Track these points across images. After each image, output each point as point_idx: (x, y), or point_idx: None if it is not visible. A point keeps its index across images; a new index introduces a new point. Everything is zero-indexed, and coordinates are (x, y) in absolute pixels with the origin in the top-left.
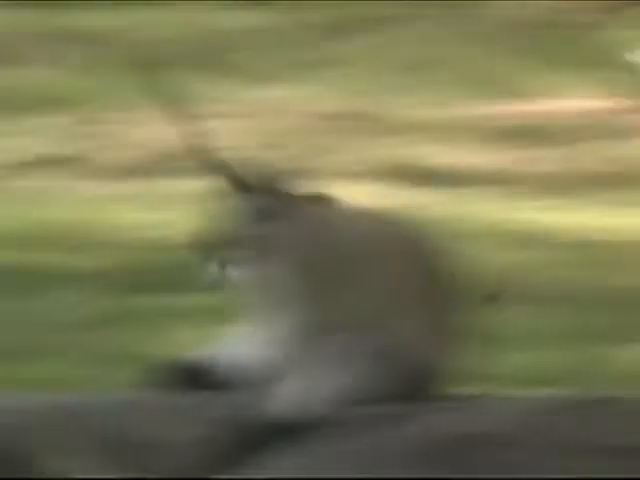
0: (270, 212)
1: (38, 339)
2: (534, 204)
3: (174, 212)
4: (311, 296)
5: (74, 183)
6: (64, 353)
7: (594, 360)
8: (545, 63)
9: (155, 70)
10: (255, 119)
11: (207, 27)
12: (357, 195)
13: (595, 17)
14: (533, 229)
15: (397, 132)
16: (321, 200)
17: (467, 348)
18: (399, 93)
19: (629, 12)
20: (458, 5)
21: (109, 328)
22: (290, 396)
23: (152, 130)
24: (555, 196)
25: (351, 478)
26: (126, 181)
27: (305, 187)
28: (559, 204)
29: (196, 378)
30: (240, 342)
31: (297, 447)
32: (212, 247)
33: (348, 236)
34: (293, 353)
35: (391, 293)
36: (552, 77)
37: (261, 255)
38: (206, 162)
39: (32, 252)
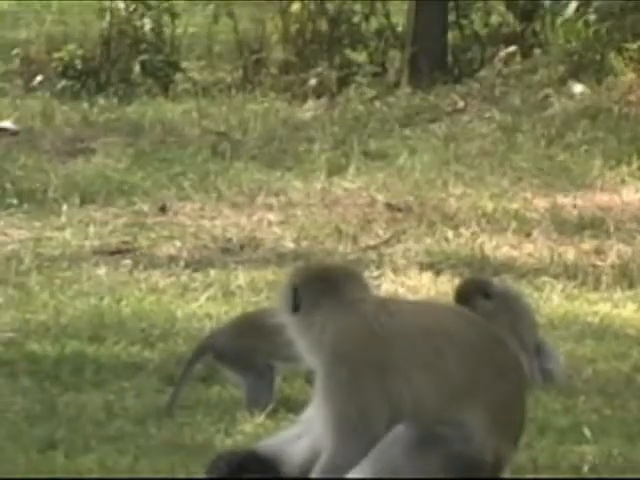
0: (318, 302)
1: (97, 430)
2: (603, 296)
3: (234, 304)
4: (357, 387)
5: (137, 274)
6: (124, 443)
7: None
8: (612, 154)
9: (220, 160)
10: (323, 209)
11: (276, 117)
12: (422, 286)
13: None
14: (604, 321)
15: (462, 223)
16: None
17: (531, 439)
18: (465, 183)
19: None
20: (526, 98)
21: (168, 419)
22: None
23: (217, 220)
24: (626, 288)
25: None
26: (187, 272)
27: (366, 277)
28: (629, 296)
29: (255, 469)
30: (298, 433)
31: None
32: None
33: (403, 328)
34: (336, 444)
35: (452, 384)
36: (621, 169)
37: (306, 345)
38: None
39: (96, 342)
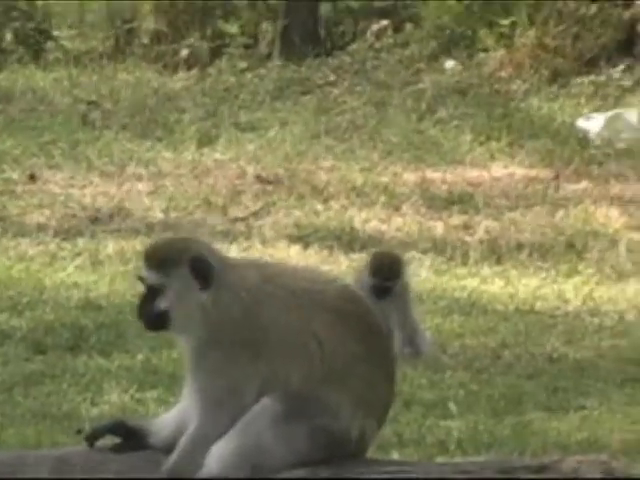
0: (222, 277)
1: None
2: (471, 271)
3: (102, 273)
4: (230, 366)
5: (6, 242)
6: None
7: (528, 428)
8: (482, 130)
9: (90, 129)
10: (193, 180)
11: (147, 87)
12: (290, 258)
13: (537, 85)
14: (472, 297)
15: (331, 196)
16: (249, 264)
17: (397, 413)
18: (335, 156)
19: (574, 81)
20: (397, 73)
21: (35, 388)
22: (216, 457)
23: (86, 189)
24: (493, 264)
25: None
26: (56, 241)
27: (232, 250)
28: (498, 272)
29: (129, 439)
30: (176, 405)
31: None
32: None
33: (281, 308)
34: (204, 416)
35: (322, 362)
36: (490, 145)
37: (200, 321)
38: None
39: None
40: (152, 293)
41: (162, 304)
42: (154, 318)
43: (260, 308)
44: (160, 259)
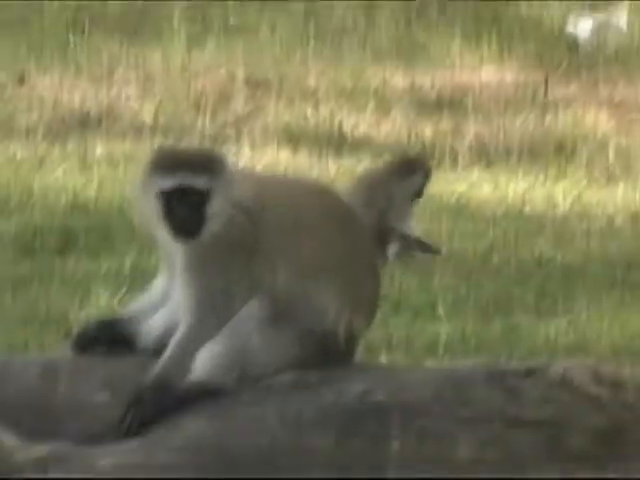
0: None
1: None
2: (460, 176)
3: (91, 176)
4: (226, 268)
5: None
6: None
7: (516, 331)
8: (472, 34)
9: (79, 32)
10: (182, 83)
11: None
12: (280, 161)
13: None
14: (460, 201)
15: (321, 99)
16: (235, 169)
17: (385, 316)
18: (323, 61)
19: None
20: None
21: (23, 290)
22: (203, 361)
23: (75, 93)
24: (483, 168)
25: None
26: (45, 144)
27: (225, 153)
28: (487, 176)
29: (113, 340)
30: (156, 304)
31: (214, 411)
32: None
33: (274, 214)
34: (195, 319)
35: (310, 260)
36: (480, 49)
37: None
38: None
39: None
40: (201, 199)
41: (209, 209)
42: (201, 225)
43: (262, 201)
44: (206, 164)
